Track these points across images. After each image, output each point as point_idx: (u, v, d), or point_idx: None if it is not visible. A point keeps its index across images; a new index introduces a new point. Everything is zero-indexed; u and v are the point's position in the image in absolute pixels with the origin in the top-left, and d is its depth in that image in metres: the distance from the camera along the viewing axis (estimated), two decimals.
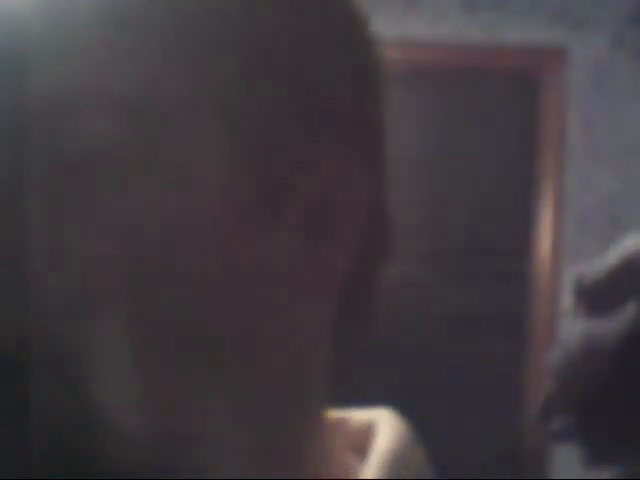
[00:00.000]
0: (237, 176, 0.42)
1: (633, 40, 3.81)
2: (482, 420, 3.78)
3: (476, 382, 3.80)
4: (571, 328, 1.20)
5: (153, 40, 0.42)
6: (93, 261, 0.41)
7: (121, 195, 0.41)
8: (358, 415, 0.52)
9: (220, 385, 0.42)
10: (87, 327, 0.41)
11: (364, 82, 0.46)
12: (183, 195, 0.41)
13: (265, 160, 0.43)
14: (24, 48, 0.42)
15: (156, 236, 0.41)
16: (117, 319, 0.41)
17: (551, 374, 1.21)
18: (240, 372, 0.43)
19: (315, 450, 0.47)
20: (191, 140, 0.41)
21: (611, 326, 1.16)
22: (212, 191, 0.42)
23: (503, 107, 3.86)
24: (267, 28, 0.43)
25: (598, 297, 1.19)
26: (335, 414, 0.53)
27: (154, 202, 0.41)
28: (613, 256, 1.19)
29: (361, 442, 0.51)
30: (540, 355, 3.69)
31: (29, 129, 0.41)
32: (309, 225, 0.44)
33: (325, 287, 0.45)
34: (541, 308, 3.75)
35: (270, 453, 0.44)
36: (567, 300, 1.24)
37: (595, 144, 3.81)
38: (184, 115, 0.41)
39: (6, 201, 0.42)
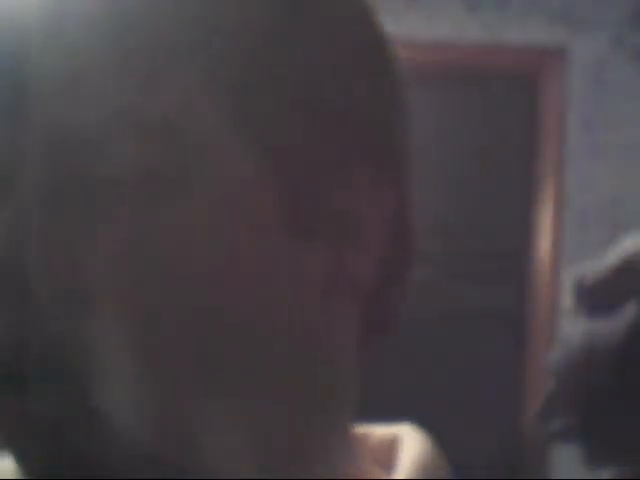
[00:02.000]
0: (265, 193, 0.42)
1: (633, 40, 3.81)
2: (482, 420, 3.78)
3: (476, 382, 3.80)
4: (571, 328, 1.20)
5: (173, 56, 0.42)
6: (99, 266, 0.41)
7: (146, 213, 0.41)
8: (380, 430, 0.52)
9: (223, 387, 0.42)
10: (88, 328, 0.41)
11: (389, 97, 0.46)
12: (212, 213, 0.41)
13: (293, 176, 0.43)
14: (33, 69, 0.42)
15: (177, 251, 0.41)
16: (118, 320, 0.41)
17: (551, 374, 1.21)
18: (249, 376, 0.43)
19: (338, 460, 0.46)
20: (219, 158, 0.41)
21: (611, 326, 1.16)
22: (240, 208, 0.42)
23: (503, 107, 3.86)
24: (296, 48, 0.43)
25: (598, 297, 1.19)
26: (357, 429, 0.52)
27: (182, 221, 0.41)
28: (613, 256, 1.19)
29: (385, 457, 0.51)
30: (540, 355, 3.69)
31: (49, 151, 0.41)
32: (336, 239, 0.44)
33: (350, 298, 0.45)
34: (541, 308, 3.75)
35: (284, 457, 0.44)
36: (567, 300, 1.24)
37: (595, 144, 3.81)
38: (212, 134, 0.41)
39: (9, 208, 0.42)
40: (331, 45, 0.44)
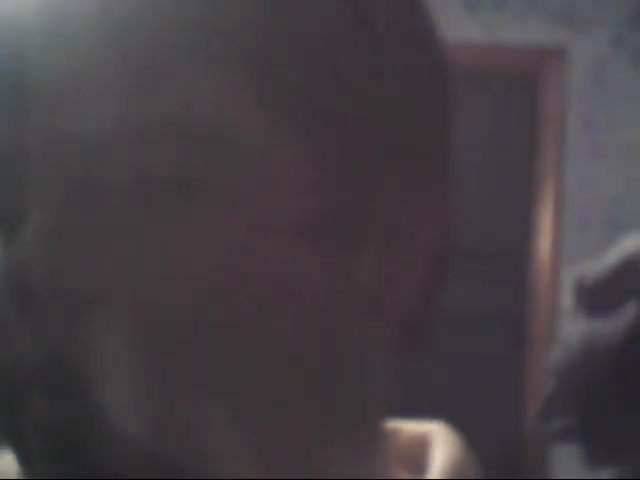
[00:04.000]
0: (311, 202, 0.41)
1: (633, 40, 3.81)
2: (482, 420, 3.78)
3: (476, 382, 3.80)
4: (571, 328, 1.20)
5: (173, 56, 0.41)
6: (101, 269, 0.41)
7: (147, 215, 0.40)
8: (411, 427, 0.51)
9: (224, 387, 0.42)
10: (89, 329, 0.41)
11: (430, 99, 0.44)
12: (219, 216, 0.40)
13: (340, 185, 0.41)
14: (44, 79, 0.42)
15: (181, 253, 0.40)
16: (119, 321, 0.41)
17: (551, 374, 1.21)
18: (251, 377, 0.42)
19: (366, 461, 0.45)
20: (222, 159, 0.40)
21: (611, 326, 1.16)
22: (283, 218, 0.40)
23: (503, 107, 3.86)
24: (340, 53, 0.42)
25: (598, 297, 1.19)
26: (387, 425, 0.51)
27: (185, 223, 0.40)
28: (613, 256, 1.19)
29: (415, 456, 0.50)
30: (540, 355, 3.69)
31: (50, 153, 0.41)
32: (380, 248, 0.43)
33: (389, 306, 0.44)
34: (541, 308, 3.75)
35: (291, 458, 0.44)
36: (567, 300, 1.24)
37: (595, 144, 3.81)
38: (213, 134, 0.40)
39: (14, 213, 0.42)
40: (385, 50, 0.42)
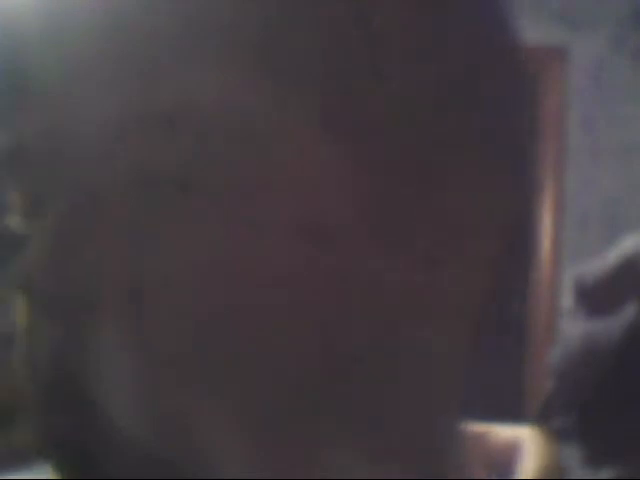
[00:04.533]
0: (347, 195, 0.38)
1: (633, 40, 3.80)
2: (482, 421, 3.78)
3: (476, 382, 3.80)
4: (571, 328, 1.20)
5: (174, 54, 0.41)
6: (101, 270, 0.41)
7: (146, 215, 0.40)
8: (501, 432, 0.49)
9: (225, 388, 0.42)
10: (89, 330, 0.41)
11: (501, 98, 0.41)
12: (254, 223, 0.38)
13: (382, 175, 0.39)
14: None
15: (183, 255, 0.40)
16: (121, 322, 0.41)
17: (551, 373, 1.21)
18: (253, 377, 0.42)
19: (446, 464, 0.44)
20: (223, 158, 0.39)
21: (611, 326, 1.16)
22: (315, 212, 0.38)
23: None
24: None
25: (598, 297, 1.19)
26: (475, 428, 0.49)
27: (220, 232, 0.39)
28: (613, 256, 1.19)
29: (503, 461, 0.48)
30: (540, 355, 3.69)
31: (50, 152, 0.41)
32: (437, 252, 0.40)
33: (454, 311, 0.42)
34: (541, 308, 3.75)
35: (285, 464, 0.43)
36: (567, 300, 1.24)
37: (595, 144, 3.81)
38: (212, 132, 0.39)
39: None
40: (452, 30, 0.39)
